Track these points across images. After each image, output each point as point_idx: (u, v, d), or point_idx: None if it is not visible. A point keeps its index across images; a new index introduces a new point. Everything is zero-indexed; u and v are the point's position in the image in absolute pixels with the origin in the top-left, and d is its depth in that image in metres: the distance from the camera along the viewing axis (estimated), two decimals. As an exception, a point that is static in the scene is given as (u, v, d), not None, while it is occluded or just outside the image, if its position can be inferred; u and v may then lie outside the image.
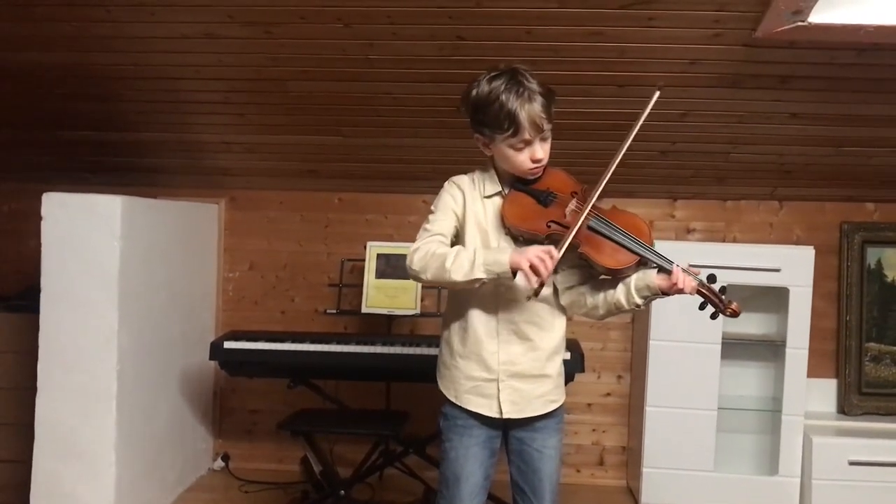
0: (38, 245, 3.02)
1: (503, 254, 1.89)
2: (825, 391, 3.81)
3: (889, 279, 3.80)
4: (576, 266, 2.04)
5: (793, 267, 3.42)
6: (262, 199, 4.03)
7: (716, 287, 1.94)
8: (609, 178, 1.97)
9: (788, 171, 3.62)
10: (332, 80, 3.17)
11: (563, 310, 2.10)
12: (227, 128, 3.56)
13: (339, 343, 3.30)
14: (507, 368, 2.04)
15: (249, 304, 4.05)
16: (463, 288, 1.97)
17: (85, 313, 3.02)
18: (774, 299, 3.54)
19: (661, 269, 1.93)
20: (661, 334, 3.46)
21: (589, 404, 3.95)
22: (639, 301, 1.96)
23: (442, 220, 2.05)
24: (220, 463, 3.98)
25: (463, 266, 1.91)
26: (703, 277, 1.93)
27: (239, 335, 3.39)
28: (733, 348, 3.55)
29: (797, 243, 3.78)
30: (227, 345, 3.30)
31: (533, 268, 1.82)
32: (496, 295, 2.03)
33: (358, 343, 3.29)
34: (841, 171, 3.60)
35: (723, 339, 3.43)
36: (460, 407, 2.08)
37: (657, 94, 2.02)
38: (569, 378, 3.29)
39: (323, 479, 3.40)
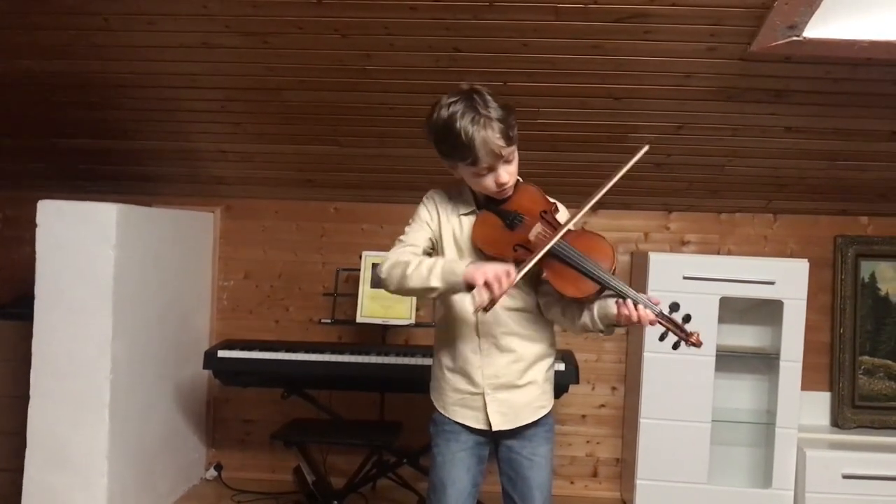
0: (33, 252, 3.01)
1: (459, 265, 1.89)
2: (819, 404, 3.82)
3: (883, 293, 3.81)
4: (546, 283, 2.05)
5: (787, 280, 3.43)
6: (257, 208, 4.03)
7: (678, 316, 1.92)
8: (577, 219, 1.99)
9: (783, 184, 3.63)
10: (329, 91, 3.17)
11: (548, 320, 2.11)
12: (224, 137, 3.56)
13: (333, 353, 3.29)
14: (491, 382, 2.05)
15: (244, 313, 4.04)
16: (422, 297, 2.00)
17: (79, 321, 3.01)
18: (768, 312, 3.54)
19: (619, 298, 1.91)
20: (655, 346, 3.44)
21: (583, 416, 3.95)
22: (601, 328, 1.97)
23: (416, 231, 2.08)
24: (212, 472, 3.96)
25: (421, 274, 1.92)
26: (665, 308, 1.91)
27: (233, 344, 3.38)
28: (727, 361, 3.55)
29: (791, 256, 3.79)
30: (221, 354, 3.29)
31: (487, 285, 1.81)
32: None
33: (352, 353, 3.29)
34: (835, 185, 3.62)
35: (717, 351, 3.43)
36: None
37: (645, 148, 2.03)
38: (563, 389, 3.30)
39: (316, 490, 3.39)
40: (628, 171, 2.01)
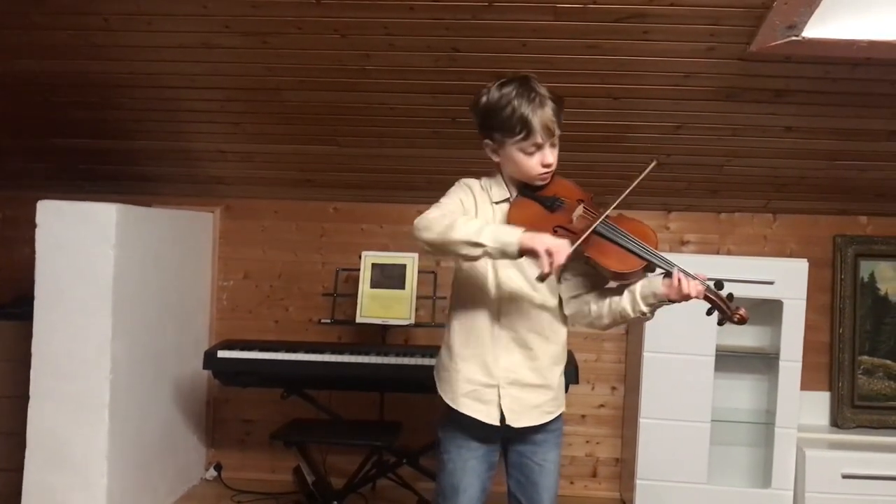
0: (33, 253, 3.01)
1: (514, 230, 1.84)
2: (818, 404, 3.82)
3: (882, 292, 3.81)
4: (581, 275, 2.03)
5: (786, 280, 3.43)
6: (257, 208, 4.03)
7: (723, 293, 1.91)
8: (626, 196, 2.00)
9: (782, 184, 3.63)
10: (329, 91, 3.17)
11: (565, 320, 2.09)
12: (223, 137, 3.56)
13: (333, 353, 3.29)
14: (506, 376, 2.03)
15: (244, 314, 4.04)
16: (461, 252, 1.87)
17: (78, 321, 3.01)
18: (768, 312, 3.54)
19: (666, 275, 1.90)
20: (655, 346, 3.47)
21: (583, 416, 3.95)
22: (644, 309, 1.94)
23: (454, 203, 2.03)
24: (212, 472, 3.96)
25: (471, 228, 1.85)
26: (711, 283, 1.92)
27: (233, 344, 3.38)
28: (727, 361, 3.55)
29: (791, 256, 3.79)
30: (221, 354, 3.29)
31: (549, 251, 1.77)
32: (499, 301, 2.02)
33: (352, 353, 3.28)
34: (834, 185, 3.62)
35: (716, 351, 3.43)
36: (459, 421, 2.06)
37: (653, 163, 2.04)
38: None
39: (316, 490, 3.39)
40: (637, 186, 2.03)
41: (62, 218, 3.01)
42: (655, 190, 3.72)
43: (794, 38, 2.66)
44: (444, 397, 2.09)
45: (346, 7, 2.70)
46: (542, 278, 1.79)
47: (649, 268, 1.93)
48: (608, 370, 3.93)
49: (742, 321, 1.89)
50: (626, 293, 1.96)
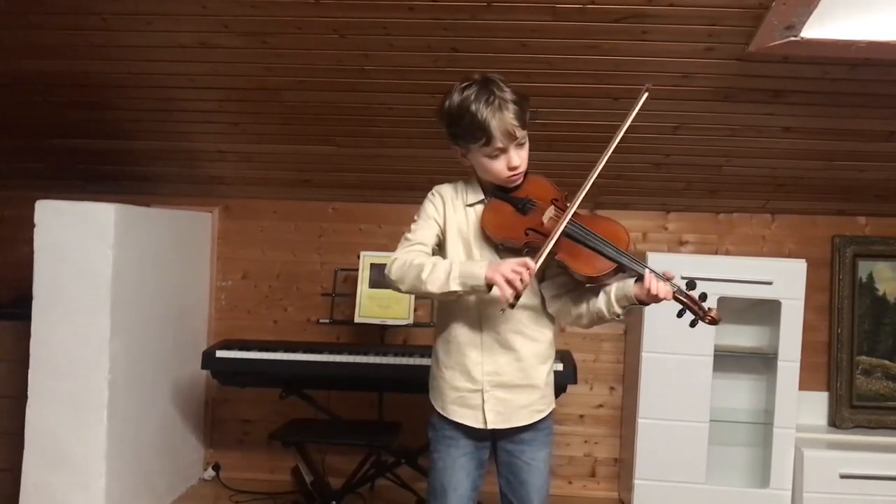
0: (31, 252, 3.01)
1: (479, 267, 1.89)
2: (816, 404, 3.82)
3: (880, 292, 3.81)
4: (560, 275, 2.03)
5: (785, 280, 3.43)
6: (255, 208, 4.03)
7: (695, 294, 1.90)
8: (590, 187, 1.97)
9: (781, 184, 3.64)
10: (328, 91, 3.17)
11: (550, 318, 2.10)
12: (222, 137, 3.56)
13: (331, 353, 3.29)
14: (491, 379, 2.04)
15: (242, 314, 4.04)
16: (440, 299, 1.99)
17: (77, 322, 3.01)
18: (766, 312, 3.54)
19: (638, 278, 1.90)
20: (653, 346, 3.47)
21: (581, 416, 3.95)
22: (618, 311, 1.95)
23: (423, 228, 2.06)
24: (210, 472, 3.96)
25: (439, 278, 1.91)
26: (682, 284, 1.90)
27: (231, 344, 3.38)
28: (725, 361, 3.55)
29: (789, 256, 3.79)
30: (220, 354, 3.29)
31: (508, 282, 1.81)
32: (479, 306, 2.02)
33: (350, 353, 3.29)
34: (833, 185, 3.62)
35: (715, 351, 3.44)
36: (447, 418, 2.08)
37: (645, 95, 2.03)
38: (561, 389, 3.30)
39: (314, 490, 3.39)
40: (633, 121, 2.04)
41: (61, 218, 3.01)
42: (654, 190, 3.73)
43: (792, 38, 2.66)
44: (434, 405, 2.13)
45: (346, 7, 2.70)
46: (510, 306, 1.84)
47: (620, 269, 1.92)
48: (606, 370, 3.94)
49: (714, 322, 1.89)
50: (601, 294, 1.97)
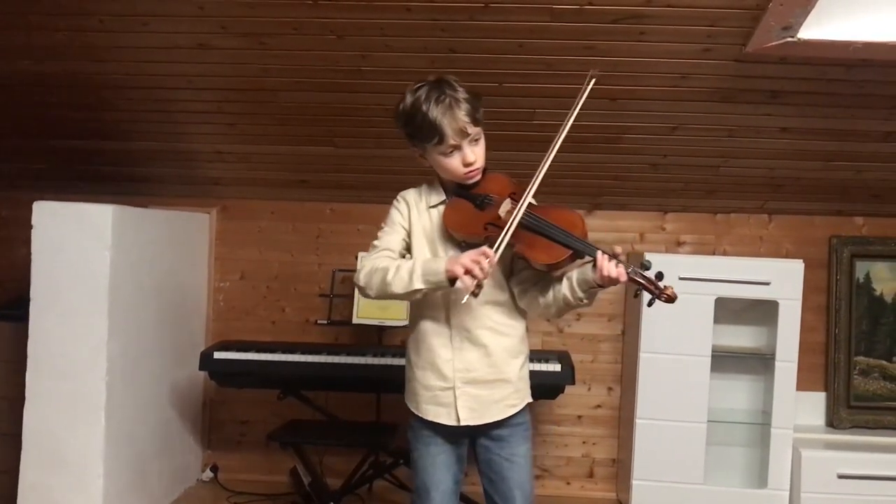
0: (28, 254, 3.01)
1: (439, 263, 1.94)
2: (814, 404, 3.82)
3: (878, 293, 3.82)
4: (526, 267, 2.06)
5: (782, 280, 3.43)
6: (253, 208, 4.03)
7: (650, 274, 1.91)
8: (542, 178, 2.00)
9: (778, 184, 3.64)
10: (325, 91, 3.17)
11: (522, 313, 2.13)
12: (219, 137, 3.56)
13: (329, 354, 3.29)
14: (462, 375, 2.06)
15: (240, 314, 4.04)
16: (407, 300, 2.05)
17: (74, 323, 3.01)
18: (764, 312, 3.55)
19: (594, 262, 1.92)
20: (651, 347, 3.47)
21: (579, 416, 3.95)
22: (581, 295, 1.97)
23: (389, 234, 2.13)
24: (208, 474, 3.96)
25: (403, 279, 1.97)
26: (638, 265, 1.92)
27: (229, 345, 3.38)
28: (723, 361, 3.55)
29: (787, 257, 3.79)
30: (218, 355, 3.29)
31: (468, 272, 1.86)
32: (447, 304, 2.05)
33: (348, 354, 3.29)
34: (830, 186, 3.63)
35: (712, 351, 3.44)
36: (424, 421, 2.11)
37: (592, 81, 2.07)
38: (559, 390, 3.31)
39: (312, 491, 3.39)
40: (580, 109, 2.05)
41: (58, 219, 3.01)
42: (651, 191, 3.73)
43: (789, 39, 2.66)
44: (409, 406, 2.16)
45: (343, 8, 2.71)
46: (473, 296, 1.87)
47: (577, 255, 1.94)
48: (604, 371, 3.94)
49: (670, 300, 1.89)
50: (564, 281, 2.00)
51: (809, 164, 3.46)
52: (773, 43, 2.69)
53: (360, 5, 2.68)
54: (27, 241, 3.01)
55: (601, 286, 1.93)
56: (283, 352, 3.30)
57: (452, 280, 1.90)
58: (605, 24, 2.70)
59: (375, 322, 3.55)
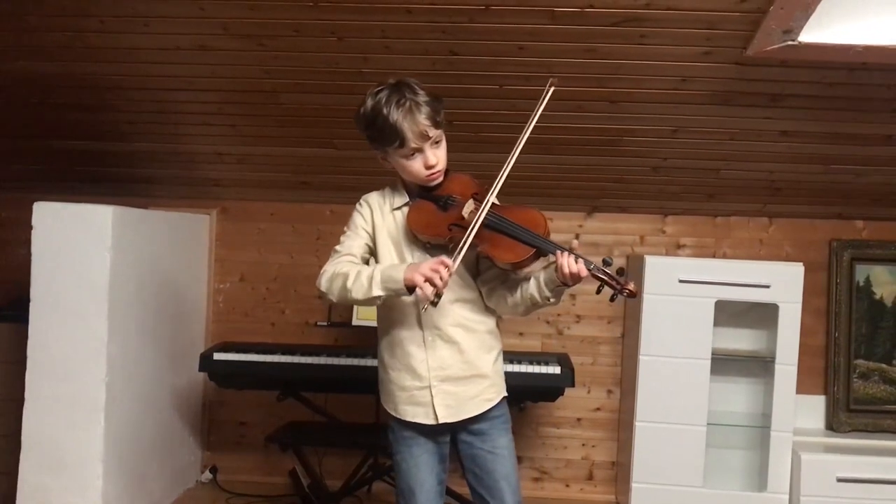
0: (28, 255, 3.01)
1: (398, 271, 1.95)
2: (814, 408, 3.82)
3: (878, 296, 3.82)
4: (492, 267, 2.07)
5: (782, 283, 3.43)
6: (253, 210, 4.03)
7: (611, 270, 1.93)
8: (505, 178, 2.02)
9: (778, 188, 3.64)
10: (325, 93, 3.17)
11: (490, 310, 2.14)
12: (220, 139, 3.56)
13: (329, 355, 3.29)
14: (437, 373, 2.08)
15: (240, 316, 4.04)
16: (368, 305, 2.08)
17: (74, 324, 3.01)
18: (764, 315, 3.55)
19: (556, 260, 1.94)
20: (651, 349, 3.47)
21: (579, 419, 3.95)
22: (547, 294, 1.99)
23: (351, 238, 2.15)
24: (207, 475, 3.96)
25: (362, 285, 1.98)
26: (599, 261, 1.94)
27: (229, 347, 3.38)
28: (723, 364, 3.55)
29: (787, 260, 3.79)
30: (217, 356, 3.29)
31: (428, 280, 1.87)
32: (417, 304, 2.06)
33: (348, 356, 3.29)
34: (830, 189, 3.62)
35: (712, 354, 3.44)
36: (403, 422, 2.13)
37: (551, 89, 2.07)
38: (559, 392, 3.31)
39: (311, 492, 3.39)
40: (540, 115, 2.06)
41: (58, 220, 3.01)
42: (652, 194, 3.73)
43: (790, 42, 2.66)
44: (387, 408, 2.18)
45: (343, 10, 2.70)
46: (425, 305, 1.91)
47: (541, 253, 1.96)
48: (604, 373, 3.94)
49: (632, 295, 1.92)
50: (532, 280, 2.03)
51: (810, 167, 3.46)
52: (774, 46, 2.69)
53: (360, 7, 2.68)
54: (27, 242, 3.01)
55: (566, 284, 1.95)
56: (283, 353, 3.30)
57: (411, 288, 1.91)
58: (605, 27, 2.70)
59: (375, 324, 3.53)
